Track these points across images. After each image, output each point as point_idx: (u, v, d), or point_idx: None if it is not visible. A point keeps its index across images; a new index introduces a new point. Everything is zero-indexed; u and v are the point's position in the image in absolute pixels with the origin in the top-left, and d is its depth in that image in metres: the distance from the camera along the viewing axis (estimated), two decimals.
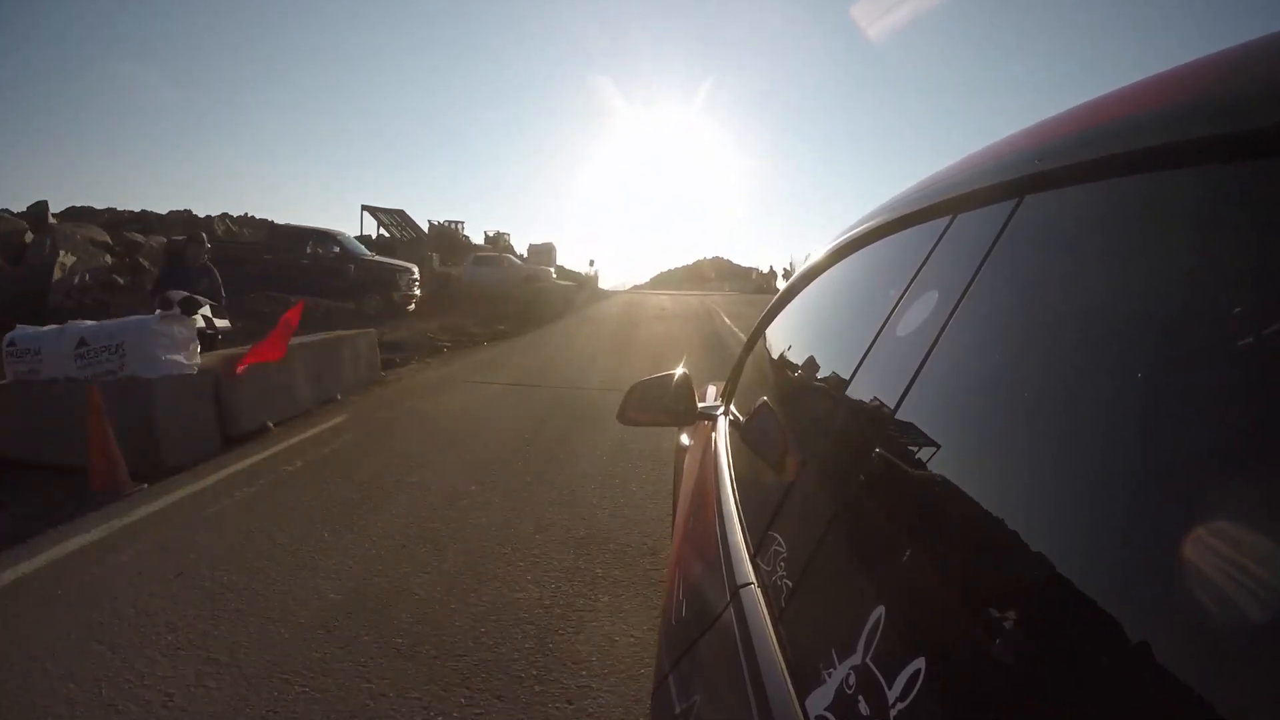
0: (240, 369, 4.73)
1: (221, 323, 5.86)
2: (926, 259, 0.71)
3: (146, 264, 12.93)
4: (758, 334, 1.71)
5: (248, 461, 4.27)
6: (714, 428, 1.58)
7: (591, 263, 31.05)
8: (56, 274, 11.58)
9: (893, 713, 0.40)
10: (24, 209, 15.08)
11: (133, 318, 4.56)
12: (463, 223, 34.43)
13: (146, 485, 3.76)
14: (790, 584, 0.65)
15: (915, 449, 0.56)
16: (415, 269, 14.71)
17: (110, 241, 13.91)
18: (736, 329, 13.19)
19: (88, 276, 12.11)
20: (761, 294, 30.09)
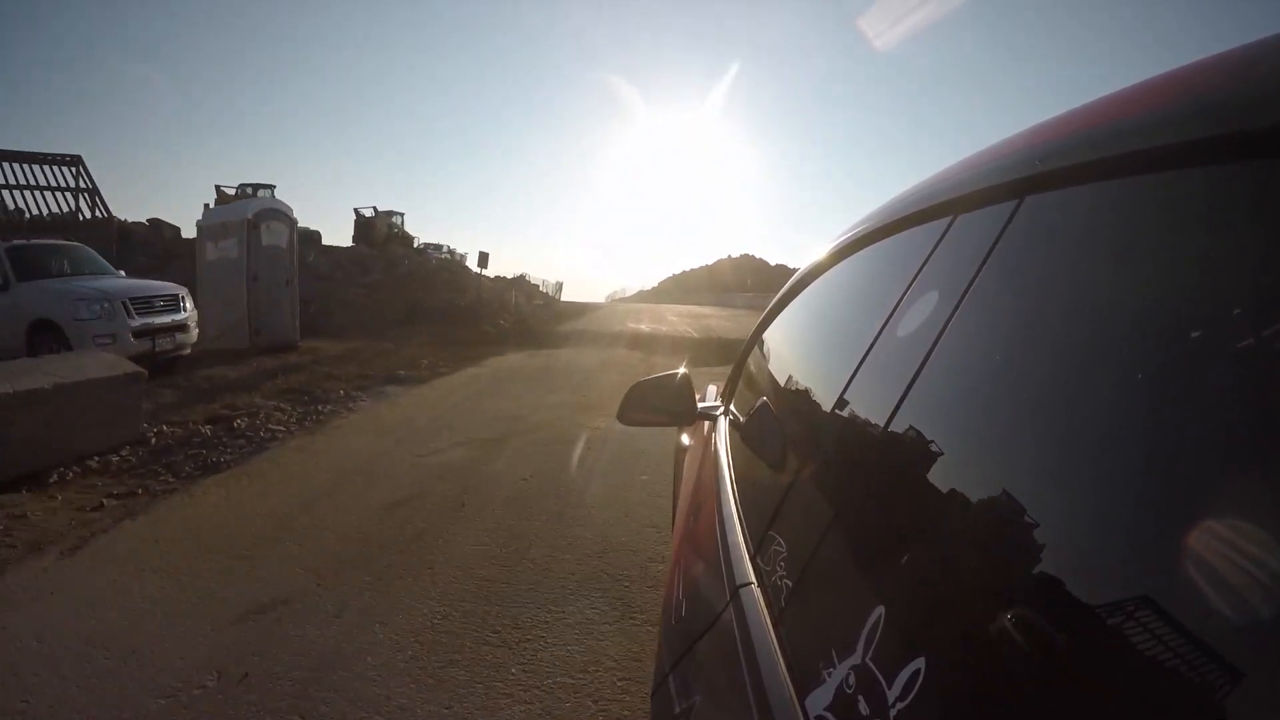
0: None
1: None
2: (927, 260, 0.71)
3: None
4: (758, 334, 1.71)
5: None
6: (714, 428, 1.58)
7: (483, 260, 16.30)
8: None
9: (892, 713, 0.41)
10: None
11: None
12: (273, 187, 22.91)
13: None
14: (790, 584, 0.65)
15: (915, 449, 0.57)
16: None
17: None
18: None
19: None
20: None
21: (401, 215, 28.51)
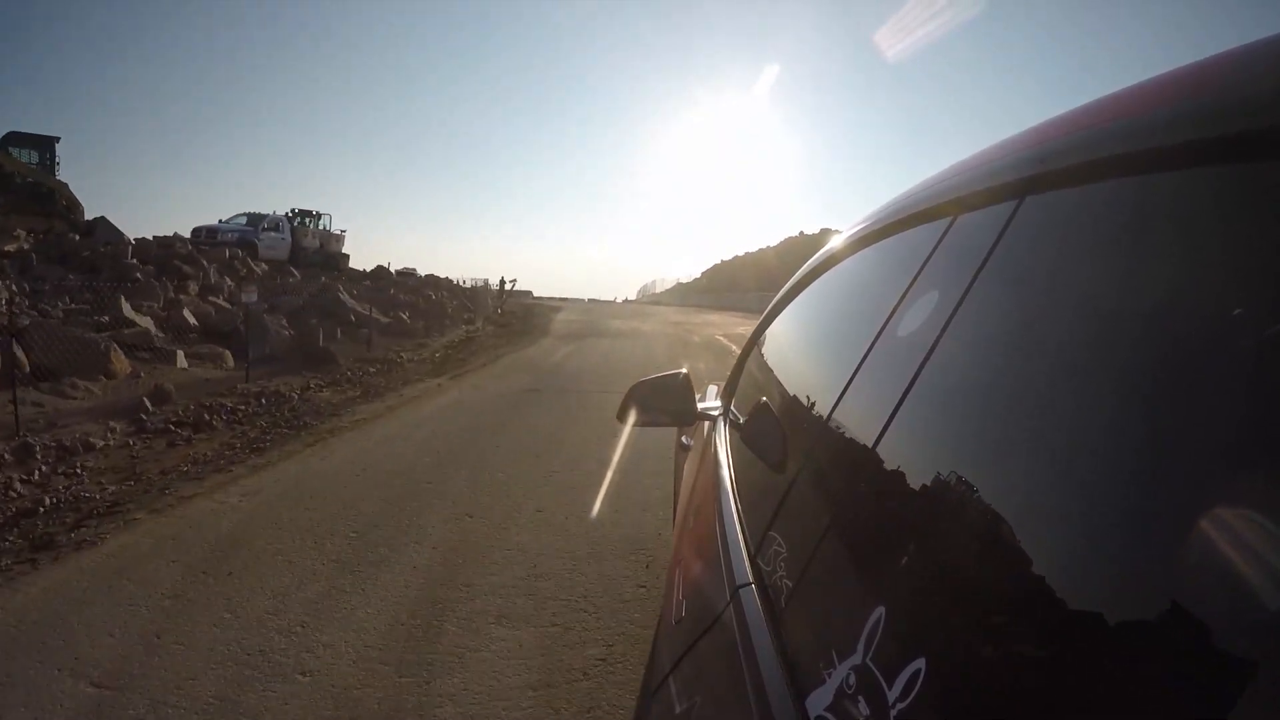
0: None
1: None
2: (927, 260, 0.71)
3: None
4: (758, 334, 1.71)
5: None
6: (714, 428, 1.58)
7: (309, 219, 11.88)
8: None
9: (893, 713, 0.40)
10: None
11: None
12: (55, 140, 14.67)
13: None
14: (790, 584, 0.65)
15: (915, 449, 0.57)
16: None
17: None
18: None
19: None
20: None
21: (53, 142, 15.48)
